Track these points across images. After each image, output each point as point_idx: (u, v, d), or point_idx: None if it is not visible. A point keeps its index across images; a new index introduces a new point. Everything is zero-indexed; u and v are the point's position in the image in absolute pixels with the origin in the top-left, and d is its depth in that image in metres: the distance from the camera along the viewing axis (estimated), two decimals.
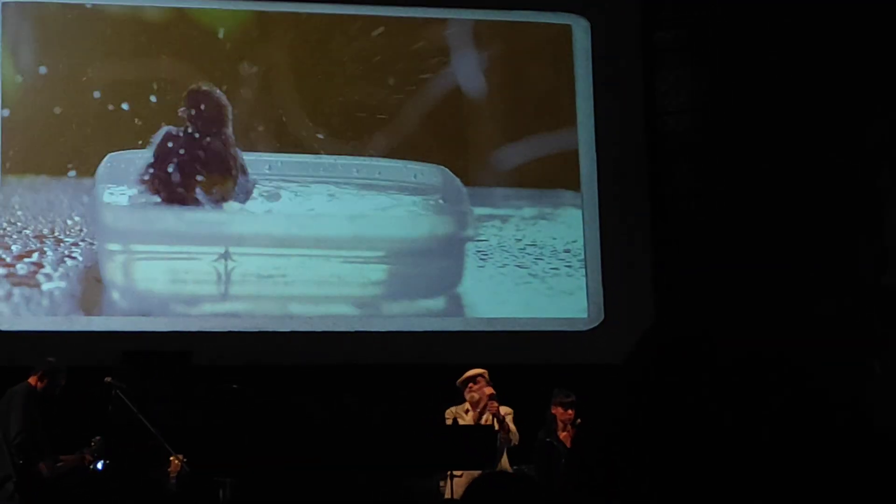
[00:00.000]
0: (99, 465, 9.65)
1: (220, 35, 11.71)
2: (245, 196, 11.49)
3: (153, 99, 11.46)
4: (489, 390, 10.02)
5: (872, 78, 11.61)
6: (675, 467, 0.95)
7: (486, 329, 11.81)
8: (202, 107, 11.47)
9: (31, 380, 9.59)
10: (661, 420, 0.96)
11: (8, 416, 9.43)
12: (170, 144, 11.37)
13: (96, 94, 11.39)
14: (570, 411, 10.21)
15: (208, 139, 11.48)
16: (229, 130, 11.53)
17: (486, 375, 10.11)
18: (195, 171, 11.41)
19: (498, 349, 11.39)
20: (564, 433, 10.15)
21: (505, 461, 10.06)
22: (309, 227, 11.62)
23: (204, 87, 11.52)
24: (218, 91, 11.55)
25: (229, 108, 11.54)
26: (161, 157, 11.33)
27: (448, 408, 10.08)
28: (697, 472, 0.93)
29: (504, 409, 10.05)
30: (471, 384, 10.08)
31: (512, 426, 10.02)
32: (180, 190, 11.35)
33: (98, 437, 9.70)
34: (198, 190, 11.36)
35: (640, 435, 0.96)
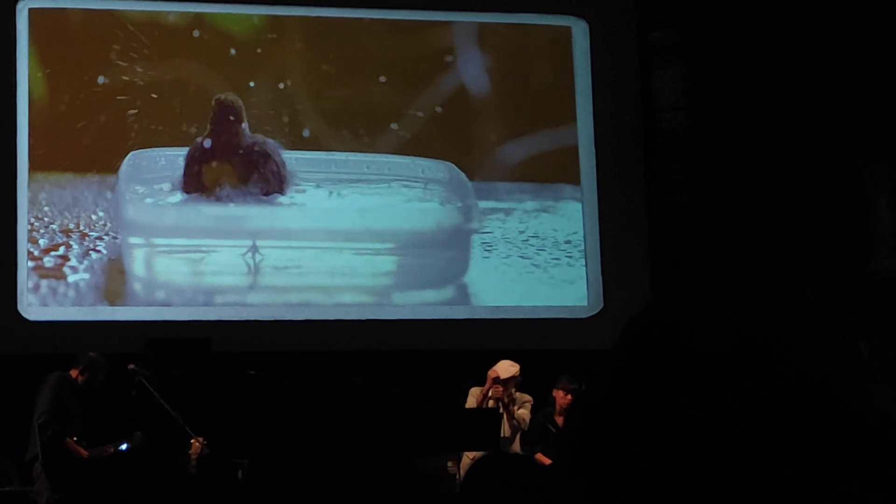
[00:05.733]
0: (123, 447, 9.62)
1: (236, 38, 11.69)
2: (265, 188, 11.48)
3: (173, 99, 11.44)
4: (493, 374, 9.97)
5: (857, 75, 11.56)
6: (651, 450, 0.92)
7: (491, 317, 11.78)
8: (221, 112, 11.48)
9: (73, 372, 9.55)
10: (640, 403, 0.93)
11: (37, 399, 9.42)
12: (195, 150, 11.41)
13: (119, 95, 11.37)
14: (568, 397, 10.13)
15: (224, 139, 11.48)
16: (243, 128, 11.52)
17: (512, 374, 9.96)
18: (210, 167, 11.41)
19: (502, 336, 11.36)
20: (560, 417, 10.10)
21: (517, 445, 9.99)
22: (322, 220, 11.60)
23: (221, 97, 11.51)
24: (233, 96, 11.54)
25: (242, 111, 11.53)
26: (188, 160, 11.36)
27: (471, 388, 10.05)
28: (672, 452, 0.91)
29: (522, 397, 9.98)
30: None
31: (522, 413, 9.94)
32: (200, 186, 11.36)
33: (139, 433, 9.62)
34: (212, 184, 11.36)
35: (617, 417, 0.94)
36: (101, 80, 11.36)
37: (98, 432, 9.63)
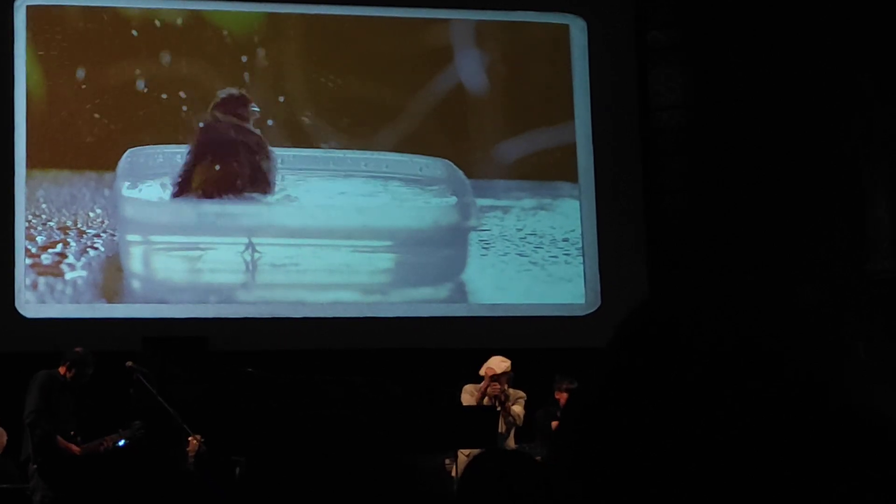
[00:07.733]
0: (120, 443, 9.60)
1: (234, 36, 11.68)
2: (261, 185, 11.47)
3: (170, 96, 11.43)
4: (490, 371, 9.94)
5: (857, 75, 11.57)
6: (650, 450, 0.92)
7: (489, 315, 11.77)
8: (219, 110, 11.46)
9: (61, 369, 9.51)
10: (639, 402, 0.93)
11: (26, 400, 9.38)
12: (193, 147, 11.39)
13: (116, 92, 11.36)
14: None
15: (222, 136, 11.47)
16: (241, 126, 11.52)
17: (504, 368, 9.89)
18: (208, 164, 11.40)
19: (500, 334, 11.35)
20: None
21: (511, 441, 9.98)
22: (320, 218, 11.59)
23: (221, 93, 11.50)
24: (232, 93, 11.53)
25: (241, 108, 11.52)
26: (192, 155, 11.35)
27: (465, 385, 10.00)
28: (671, 452, 0.90)
29: (516, 393, 9.96)
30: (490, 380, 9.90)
31: (517, 409, 9.92)
32: (198, 183, 11.35)
33: (137, 422, 9.58)
34: (211, 181, 11.36)
35: (615, 416, 0.94)
36: (98, 77, 11.34)
37: (91, 426, 9.61)
